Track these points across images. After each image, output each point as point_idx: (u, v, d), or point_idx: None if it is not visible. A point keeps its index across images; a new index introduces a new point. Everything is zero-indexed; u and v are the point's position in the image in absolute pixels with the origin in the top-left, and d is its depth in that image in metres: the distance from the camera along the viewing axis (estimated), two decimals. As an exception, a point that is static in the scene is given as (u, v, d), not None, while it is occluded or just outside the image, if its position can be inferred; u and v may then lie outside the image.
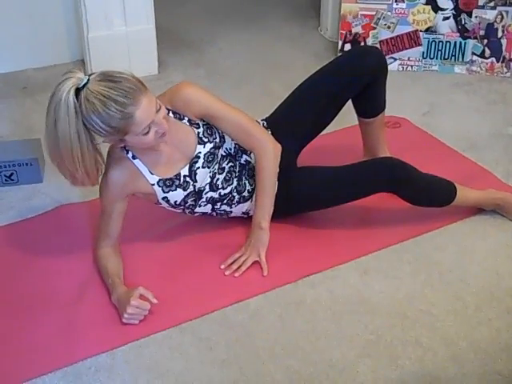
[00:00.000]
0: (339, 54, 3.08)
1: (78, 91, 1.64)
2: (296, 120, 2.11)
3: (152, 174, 1.86)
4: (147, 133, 1.70)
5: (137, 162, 1.84)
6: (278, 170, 1.96)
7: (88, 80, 1.65)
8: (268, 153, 1.94)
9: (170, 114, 1.87)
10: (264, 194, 1.95)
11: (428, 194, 2.05)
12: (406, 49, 3.05)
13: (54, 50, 3.07)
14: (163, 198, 1.91)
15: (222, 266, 1.93)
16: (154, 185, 1.87)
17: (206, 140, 1.91)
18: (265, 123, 2.11)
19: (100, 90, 1.63)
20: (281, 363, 1.66)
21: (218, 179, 1.96)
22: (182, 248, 2.03)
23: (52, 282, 1.91)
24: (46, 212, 2.19)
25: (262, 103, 2.72)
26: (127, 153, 1.84)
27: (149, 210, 2.13)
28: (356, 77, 2.08)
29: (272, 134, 2.05)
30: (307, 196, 2.04)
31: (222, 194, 1.98)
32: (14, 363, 1.66)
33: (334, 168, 2.05)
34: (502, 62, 3.00)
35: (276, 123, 2.10)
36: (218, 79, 3.00)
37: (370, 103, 2.17)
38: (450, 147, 2.50)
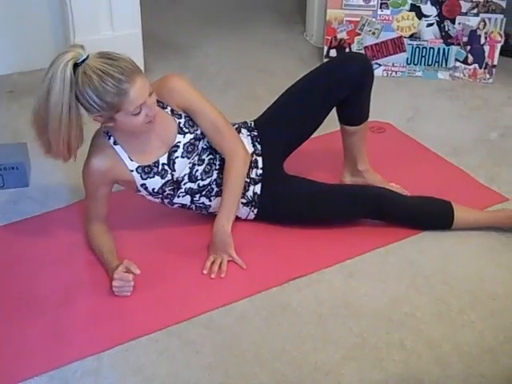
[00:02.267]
0: (326, 60, 3.11)
1: (76, 66, 1.72)
2: (283, 125, 2.13)
3: (131, 160, 1.90)
4: (138, 113, 1.76)
5: (118, 147, 1.89)
6: (245, 177, 2.00)
7: (87, 56, 1.73)
8: (238, 158, 1.98)
9: None
10: (230, 198, 1.97)
11: (418, 223, 2.10)
12: (391, 55, 3.08)
13: (40, 54, 3.05)
14: (142, 185, 1.94)
15: (205, 272, 1.94)
16: (132, 171, 1.91)
17: (186, 130, 1.95)
18: (252, 124, 2.14)
19: (98, 65, 1.71)
20: (267, 366, 1.67)
21: (197, 170, 1.99)
22: (168, 252, 2.03)
23: (38, 286, 1.90)
24: (32, 216, 2.19)
25: (247, 108, 2.74)
26: (109, 138, 1.88)
27: (136, 213, 2.15)
28: (342, 82, 2.10)
29: (259, 136, 2.09)
30: (290, 205, 2.07)
31: (200, 185, 2.01)
32: (0, 367, 1.66)
33: (323, 185, 2.10)
34: (485, 68, 3.04)
35: (263, 126, 2.13)
36: (204, 84, 3.00)
37: (354, 110, 2.17)
38: (434, 152, 2.53)
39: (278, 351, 1.71)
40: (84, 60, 1.73)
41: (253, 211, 2.09)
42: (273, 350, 1.72)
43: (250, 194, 2.05)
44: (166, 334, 1.75)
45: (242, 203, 2.06)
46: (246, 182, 2.03)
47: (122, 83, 1.71)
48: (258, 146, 2.08)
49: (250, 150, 2.07)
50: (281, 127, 2.13)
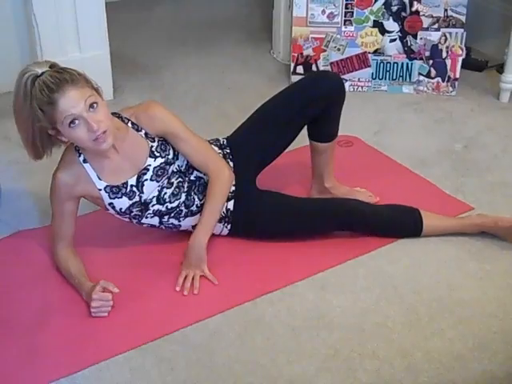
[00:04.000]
0: (293, 76, 3.15)
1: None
2: (256, 141, 2.16)
3: (100, 179, 1.92)
4: (74, 126, 1.77)
5: (87, 165, 1.91)
6: (227, 195, 2.03)
7: (46, 71, 1.78)
8: (223, 176, 2.01)
9: (129, 124, 1.94)
10: (211, 215, 2.00)
11: (388, 232, 2.14)
12: (356, 70, 3.14)
13: (7, 76, 3.00)
14: (109, 204, 1.96)
15: (178, 288, 1.95)
16: (100, 190, 1.93)
17: (157, 154, 1.96)
18: (225, 141, 2.16)
19: (44, 77, 1.76)
20: (242, 381, 1.68)
21: (165, 193, 2.00)
22: (140, 270, 2.04)
23: (10, 309, 1.89)
24: (3, 238, 2.17)
25: (217, 125, 2.76)
26: (79, 156, 1.91)
27: (107, 232, 2.16)
28: (315, 99, 2.13)
29: (231, 153, 2.12)
30: (262, 221, 2.10)
31: (168, 207, 2.02)
32: (-27, 392, 1.65)
33: (294, 200, 2.14)
34: (448, 81, 3.11)
35: (236, 144, 2.16)
36: (173, 103, 3.02)
37: (324, 127, 2.21)
38: (401, 164, 2.58)
39: (253, 365, 1.73)
40: (44, 73, 1.77)
41: (226, 227, 2.11)
42: (247, 364, 1.73)
43: (223, 210, 2.07)
44: (140, 352, 1.76)
45: None
46: None
47: (53, 93, 1.74)
48: (231, 163, 2.11)
49: None
50: (254, 144, 2.16)
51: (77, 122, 1.77)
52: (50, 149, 1.89)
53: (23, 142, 1.87)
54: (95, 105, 1.79)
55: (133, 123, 1.95)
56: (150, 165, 1.96)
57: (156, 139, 1.97)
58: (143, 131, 1.95)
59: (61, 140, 1.86)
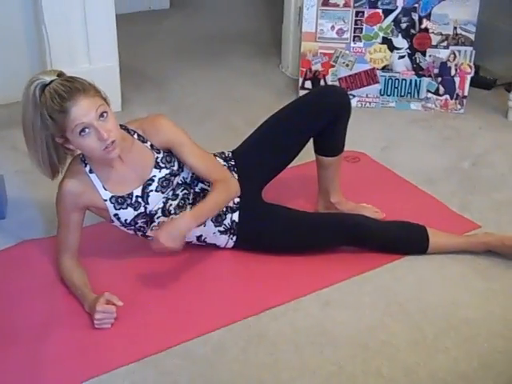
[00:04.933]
0: (301, 91, 3.16)
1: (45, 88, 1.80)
2: (261, 155, 2.17)
3: (105, 189, 1.93)
4: (84, 135, 1.78)
5: (93, 176, 1.92)
6: (227, 202, 2.00)
7: (55, 79, 1.79)
8: (231, 185, 2.00)
9: (135, 136, 1.95)
10: (209, 204, 1.93)
11: (394, 249, 2.14)
12: (364, 86, 3.14)
13: (17, 86, 3.04)
14: (114, 215, 1.96)
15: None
16: (106, 200, 1.94)
17: (162, 165, 1.97)
18: (230, 154, 2.17)
19: (54, 85, 1.78)
20: (244, 396, 1.68)
21: (170, 205, 2.00)
22: (144, 281, 2.03)
23: (14, 319, 1.89)
24: (8, 248, 2.18)
25: (224, 139, 2.77)
26: (85, 166, 1.92)
27: (112, 243, 2.16)
28: (320, 112, 2.14)
29: (236, 165, 2.12)
30: (268, 234, 2.09)
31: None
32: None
33: (300, 214, 2.13)
34: (456, 98, 3.11)
35: (242, 156, 2.16)
36: (181, 115, 3.03)
37: (330, 141, 2.21)
38: (407, 181, 2.57)
39: (256, 381, 1.71)
40: (52, 81, 1.79)
41: (231, 239, 2.11)
42: (250, 379, 1.72)
43: (227, 222, 2.07)
44: (143, 366, 1.74)
45: (220, 231, 2.08)
46: (223, 210, 2.05)
47: (65, 101, 1.76)
48: (235, 176, 2.11)
49: None
50: (259, 157, 2.16)
51: (87, 130, 1.78)
52: (63, 160, 1.91)
53: (34, 158, 1.86)
54: (105, 114, 1.80)
55: (139, 135, 1.96)
56: (155, 175, 1.96)
57: (161, 151, 1.98)
58: (149, 143, 1.96)
59: (68, 148, 1.87)
